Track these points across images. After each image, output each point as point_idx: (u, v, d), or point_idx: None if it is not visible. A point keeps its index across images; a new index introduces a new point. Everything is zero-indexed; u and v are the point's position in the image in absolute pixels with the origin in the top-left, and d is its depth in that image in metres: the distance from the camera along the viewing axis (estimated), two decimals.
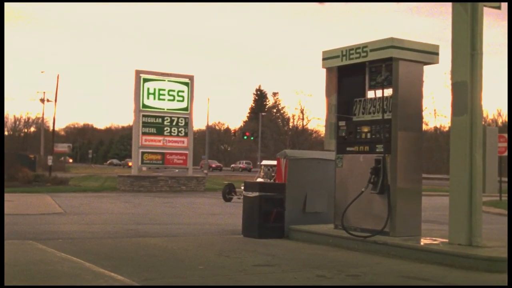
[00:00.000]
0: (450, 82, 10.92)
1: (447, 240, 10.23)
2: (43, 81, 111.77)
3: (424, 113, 11.39)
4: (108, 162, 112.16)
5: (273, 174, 25.49)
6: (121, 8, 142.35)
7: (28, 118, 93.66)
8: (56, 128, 73.27)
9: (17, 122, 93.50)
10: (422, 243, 10.43)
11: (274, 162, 25.33)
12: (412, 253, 9.97)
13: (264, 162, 29.30)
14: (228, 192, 25.37)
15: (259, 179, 25.41)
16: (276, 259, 9.57)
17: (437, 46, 11.46)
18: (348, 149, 11.91)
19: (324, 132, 12.91)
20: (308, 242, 11.65)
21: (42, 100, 73.97)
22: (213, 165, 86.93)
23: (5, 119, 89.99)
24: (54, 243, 10.79)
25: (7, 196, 25.10)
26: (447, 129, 68.85)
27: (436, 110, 78.70)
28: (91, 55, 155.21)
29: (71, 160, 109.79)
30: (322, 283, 7.75)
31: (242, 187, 23.34)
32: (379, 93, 11.45)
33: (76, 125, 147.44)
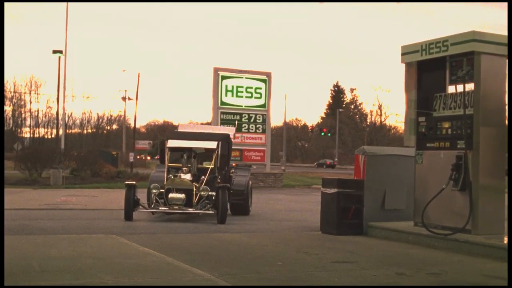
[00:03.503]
0: None
1: None
2: (125, 80, 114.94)
3: (507, 108, 11.09)
4: None
5: (198, 165, 16.25)
6: (199, 6, 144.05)
7: (110, 116, 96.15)
8: (137, 126, 74.98)
9: (100, 120, 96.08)
10: (505, 242, 10.17)
11: (186, 144, 16.18)
12: (495, 251, 9.73)
13: (172, 143, 16.61)
14: (134, 203, 14.79)
15: (184, 176, 15.35)
16: (355, 256, 9.53)
17: None
18: (428, 145, 11.72)
19: (403, 128, 12.75)
20: (387, 239, 11.54)
21: (124, 98, 75.65)
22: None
23: (89, 117, 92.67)
24: (137, 237, 11.07)
25: (91, 191, 25.90)
26: None
27: None
28: (171, 53, 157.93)
29: (149, 158, 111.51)
30: (401, 281, 7.67)
31: (153, 189, 14.86)
32: (460, 88, 11.22)
33: (156, 122, 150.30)
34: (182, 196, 14.87)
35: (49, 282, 6.94)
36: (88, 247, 9.67)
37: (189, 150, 16.25)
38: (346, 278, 7.80)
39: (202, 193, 15.05)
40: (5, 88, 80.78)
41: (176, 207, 14.83)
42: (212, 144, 16.45)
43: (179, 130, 17.72)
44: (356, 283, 7.53)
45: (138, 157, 63.46)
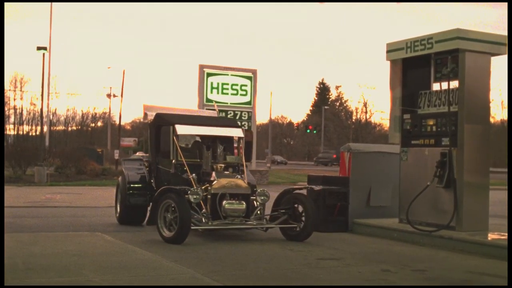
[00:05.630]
0: None
1: None
2: (110, 77, 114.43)
3: (491, 105, 11.18)
4: None
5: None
6: (185, 4, 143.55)
7: (95, 113, 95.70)
8: (122, 123, 74.75)
9: (85, 117, 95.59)
10: (489, 238, 10.24)
11: (206, 131, 12.18)
12: (479, 248, 9.80)
13: (184, 129, 11.99)
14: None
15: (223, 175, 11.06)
16: (340, 253, 9.55)
17: (504, 37, 11.19)
18: (413, 142, 11.77)
19: (388, 125, 12.80)
20: (372, 236, 11.58)
21: (109, 95, 75.39)
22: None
23: (73, 114, 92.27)
24: (122, 235, 11.03)
25: (76, 189, 25.77)
26: None
27: (504, 102, 76.68)
28: (156, 50, 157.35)
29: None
30: (387, 278, 7.70)
31: (192, 196, 10.33)
32: (444, 85, 11.29)
33: (141, 119, 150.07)
34: (243, 205, 10.62)
35: (34, 280, 6.91)
36: (73, 245, 9.62)
37: (211, 139, 12.17)
38: (332, 275, 7.82)
39: (261, 199, 11.00)
40: None
41: (237, 220, 10.57)
42: (238, 132, 12.47)
43: (146, 112, 13.53)
44: (342, 279, 7.55)
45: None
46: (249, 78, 33.60)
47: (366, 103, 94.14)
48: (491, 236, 10.40)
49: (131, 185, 12.77)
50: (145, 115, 13.57)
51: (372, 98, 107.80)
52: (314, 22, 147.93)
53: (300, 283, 7.33)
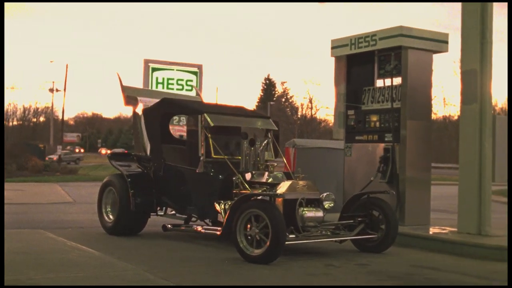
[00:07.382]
0: (459, 70, 10.90)
1: (456, 229, 10.23)
2: (52, 71, 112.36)
3: (433, 102, 11.42)
4: None
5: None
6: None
7: (37, 108, 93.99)
8: (65, 118, 73.64)
9: (26, 112, 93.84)
10: (431, 232, 10.44)
11: (241, 122, 10.39)
12: (421, 242, 9.98)
13: (219, 119, 9.93)
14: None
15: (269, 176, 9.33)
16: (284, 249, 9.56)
17: (446, 35, 11.42)
18: (357, 138, 11.90)
19: (333, 121, 12.92)
20: None
21: (51, 90, 74.19)
22: None
23: (14, 108, 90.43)
24: (64, 232, 10.86)
25: (17, 185, 25.26)
26: (456, 118, 68.63)
27: (445, 99, 78.35)
28: (100, 45, 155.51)
29: (82, 150, 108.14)
30: (330, 272, 7.76)
31: None
32: (388, 82, 11.45)
33: (85, 115, 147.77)
34: (320, 212, 8.90)
35: None
36: (15, 242, 9.40)
37: (243, 133, 9.87)
38: (275, 270, 7.82)
39: (328, 204, 9.01)
40: None
41: (318, 232, 8.88)
42: (270, 123, 10.62)
43: (131, 95, 11.47)
44: (285, 275, 7.58)
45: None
46: (194, 73, 33.42)
47: (311, 99, 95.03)
48: (432, 230, 10.60)
49: (135, 187, 10.51)
50: (131, 99, 11.43)
51: (317, 94, 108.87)
52: (260, 17, 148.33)
53: (242, 279, 7.33)
